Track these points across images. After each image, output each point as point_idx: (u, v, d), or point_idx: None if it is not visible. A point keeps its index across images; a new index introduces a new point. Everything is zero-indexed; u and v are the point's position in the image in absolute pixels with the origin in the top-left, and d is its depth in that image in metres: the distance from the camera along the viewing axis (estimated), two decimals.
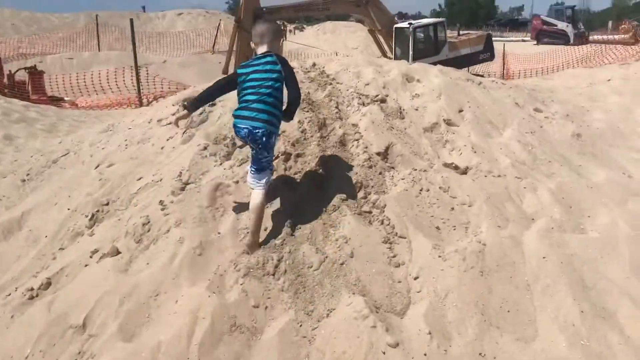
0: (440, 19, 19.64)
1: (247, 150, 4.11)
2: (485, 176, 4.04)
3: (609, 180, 4.29)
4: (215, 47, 24.83)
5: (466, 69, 18.82)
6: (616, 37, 26.19)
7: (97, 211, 4.05)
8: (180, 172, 4.04)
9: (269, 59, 3.40)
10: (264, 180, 3.40)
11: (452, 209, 3.70)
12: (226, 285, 3.11)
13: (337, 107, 4.61)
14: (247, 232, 3.42)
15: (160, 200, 3.81)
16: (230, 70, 13.50)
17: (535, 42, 35.73)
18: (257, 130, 3.29)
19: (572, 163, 4.50)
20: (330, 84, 5.07)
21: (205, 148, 4.23)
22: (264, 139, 3.31)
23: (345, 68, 5.51)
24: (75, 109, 11.33)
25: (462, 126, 4.63)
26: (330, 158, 4.04)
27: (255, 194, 3.38)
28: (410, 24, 17.48)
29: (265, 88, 3.32)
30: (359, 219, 3.55)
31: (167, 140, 4.59)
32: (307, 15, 17.97)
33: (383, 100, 4.79)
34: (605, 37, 30.53)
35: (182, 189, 3.91)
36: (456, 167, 4.07)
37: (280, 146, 4.09)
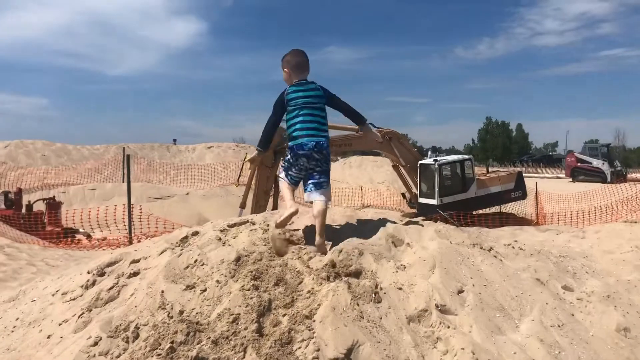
0: (468, 156, 19.14)
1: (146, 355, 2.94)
2: None
3: None
4: (240, 180, 24.64)
5: (497, 207, 17.90)
6: None
7: None
8: None
9: (312, 85, 4.06)
10: (329, 194, 4.00)
11: None
12: None
13: (290, 284, 3.46)
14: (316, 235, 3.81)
15: None
16: (248, 205, 12.82)
17: (570, 180, 34.62)
18: (322, 142, 3.97)
19: None
20: (293, 249, 3.94)
21: (95, 343, 3.05)
22: (328, 148, 4.01)
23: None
24: (60, 248, 10.55)
25: (462, 315, 3.36)
26: None
27: (320, 203, 3.89)
28: (435, 160, 16.92)
29: (316, 109, 4.00)
30: None
31: (60, 324, 3.45)
32: None
33: (357, 274, 3.62)
34: None
35: None
36: None
37: (190, 348, 2.90)
